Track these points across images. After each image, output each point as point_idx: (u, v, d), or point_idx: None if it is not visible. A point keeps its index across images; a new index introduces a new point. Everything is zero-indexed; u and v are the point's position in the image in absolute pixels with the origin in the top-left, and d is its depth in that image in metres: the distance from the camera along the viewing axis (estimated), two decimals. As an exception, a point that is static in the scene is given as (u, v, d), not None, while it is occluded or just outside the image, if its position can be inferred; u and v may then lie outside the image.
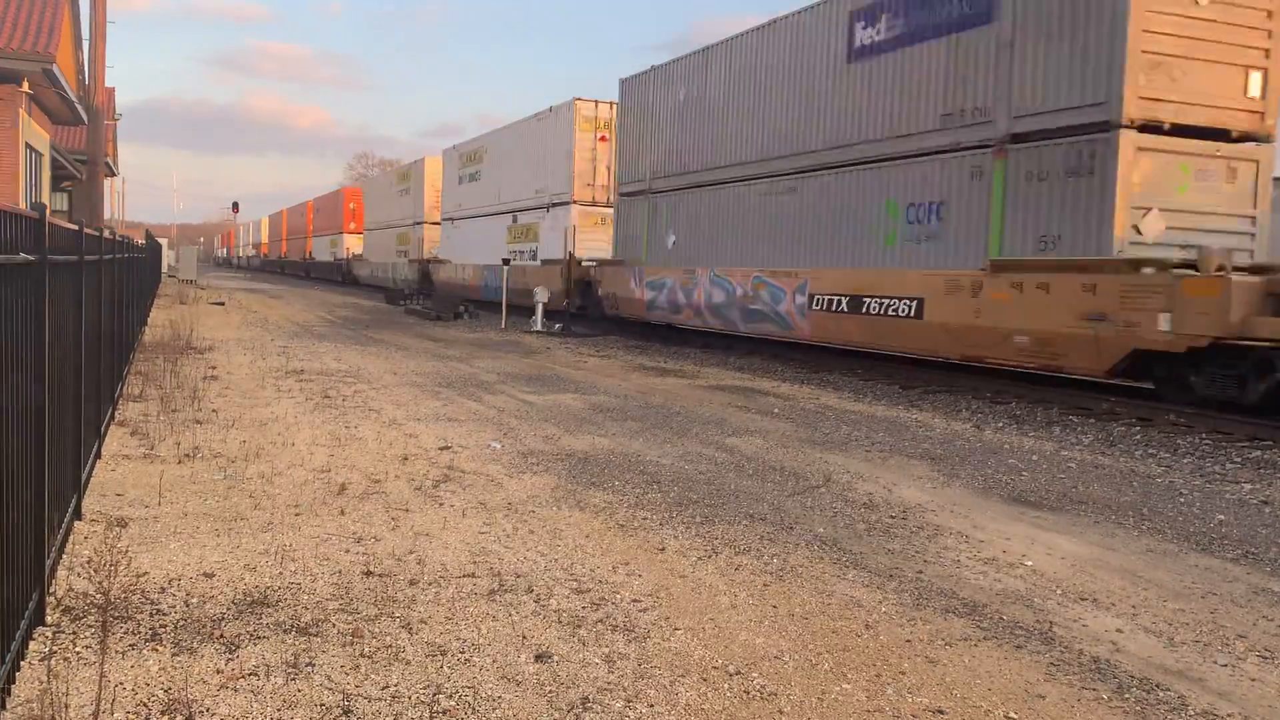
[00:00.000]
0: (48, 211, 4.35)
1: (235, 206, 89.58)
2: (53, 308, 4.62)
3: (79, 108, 25.63)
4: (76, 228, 5.78)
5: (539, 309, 24.93)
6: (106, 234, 8.77)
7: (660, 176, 22.06)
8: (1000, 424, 11.46)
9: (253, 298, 36.71)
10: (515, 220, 30.84)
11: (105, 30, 25.44)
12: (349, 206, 58.88)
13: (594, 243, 26.22)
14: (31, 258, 3.96)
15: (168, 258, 48.16)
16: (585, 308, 25.89)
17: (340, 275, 57.96)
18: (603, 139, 26.46)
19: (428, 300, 32.67)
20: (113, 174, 42.11)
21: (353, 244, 57.64)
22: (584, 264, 25.72)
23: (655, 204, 22.22)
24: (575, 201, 26.60)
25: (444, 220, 38.68)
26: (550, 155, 27.92)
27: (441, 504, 6.72)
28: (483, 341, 21.01)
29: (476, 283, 33.41)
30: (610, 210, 25.89)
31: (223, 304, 30.56)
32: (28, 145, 21.86)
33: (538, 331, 23.90)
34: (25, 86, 21.48)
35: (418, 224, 42.59)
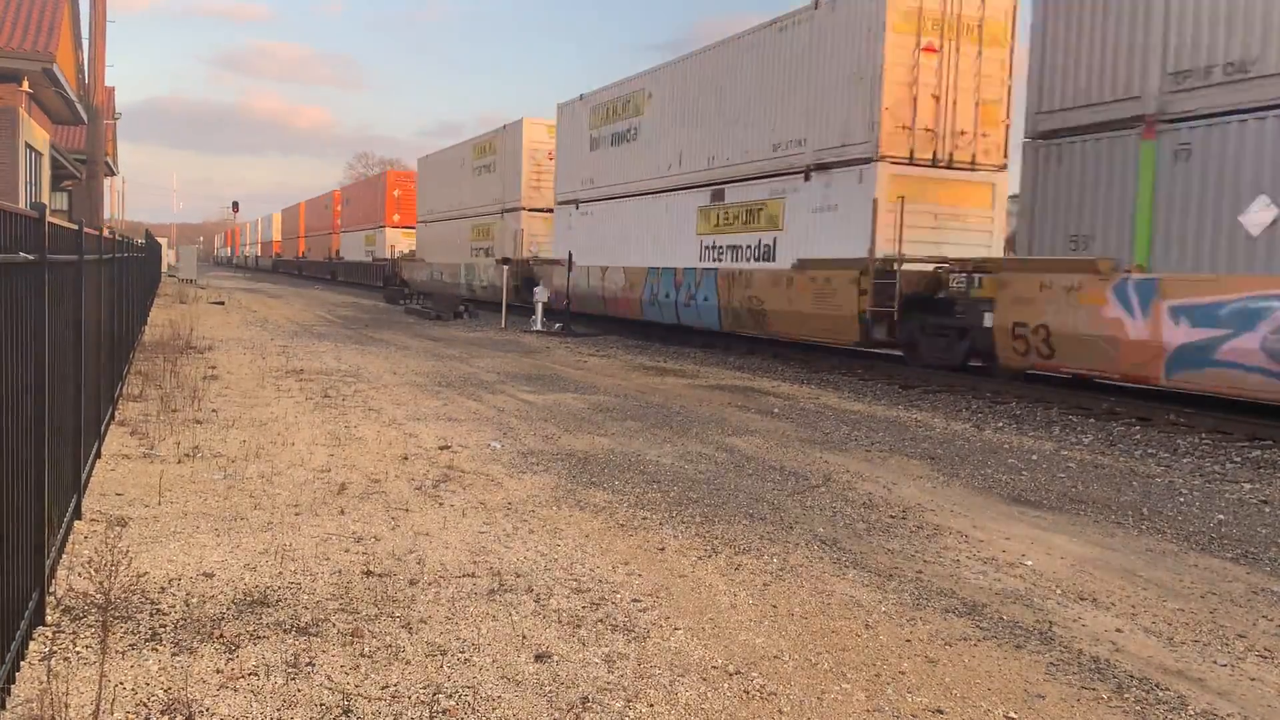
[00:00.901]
0: (48, 211, 4.35)
1: (235, 206, 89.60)
2: (52, 308, 4.62)
3: (79, 107, 25.65)
4: (76, 228, 5.78)
5: (538, 309, 24.91)
6: (106, 234, 8.78)
7: None
8: (1000, 424, 11.46)
9: (253, 298, 36.72)
10: (718, 199, 19.12)
11: (105, 30, 25.44)
12: (393, 194, 47.74)
13: (919, 231, 15.12)
14: (31, 257, 3.96)
15: (167, 257, 48.16)
16: (938, 354, 14.64)
17: (382, 279, 44.94)
18: (928, 49, 15.20)
19: (428, 300, 32.45)
20: (113, 174, 42.13)
21: (399, 240, 46.53)
22: (916, 269, 14.63)
23: None
24: (885, 158, 15.03)
25: (560, 205, 26.96)
26: (814, 83, 16.52)
27: (441, 504, 6.72)
28: (482, 341, 21.02)
29: (634, 294, 22.01)
30: (952, 174, 15.43)
31: (222, 304, 30.57)
32: (28, 145, 21.85)
33: (537, 331, 23.90)
34: (25, 86, 21.49)
35: (508, 211, 30.90)
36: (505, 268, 27.65)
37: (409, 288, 39.56)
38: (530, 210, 29.89)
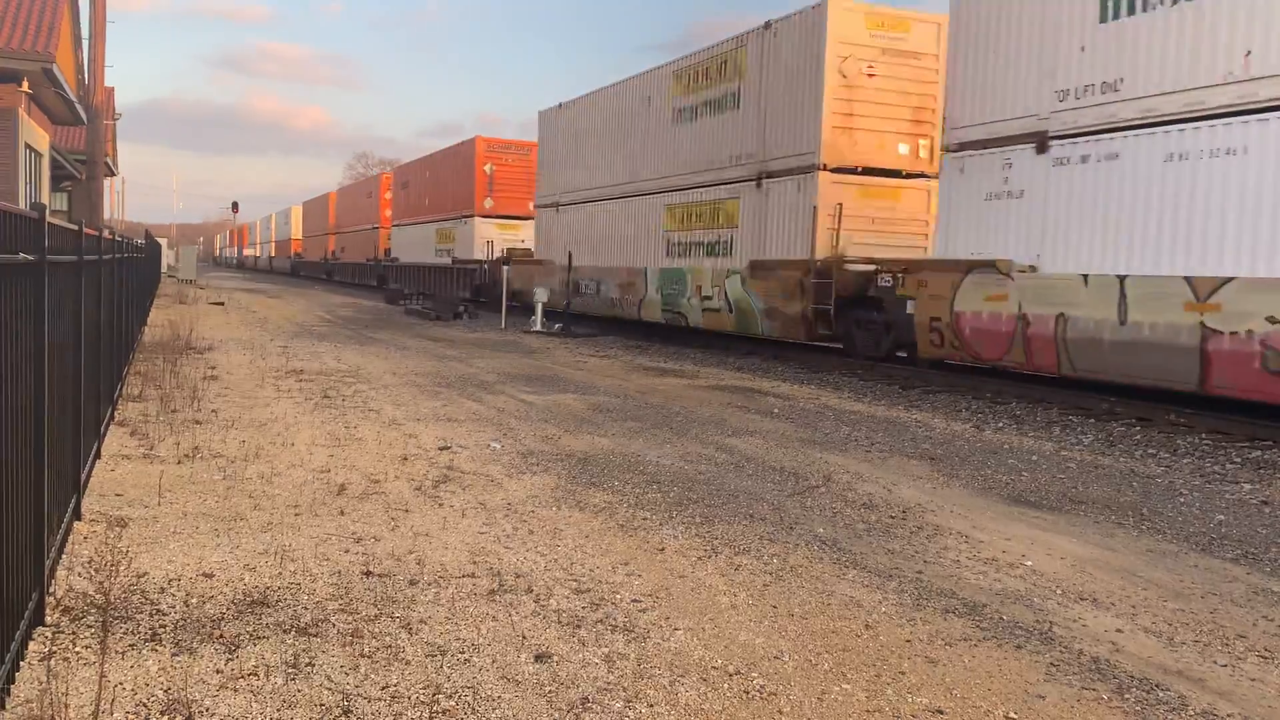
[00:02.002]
0: (47, 211, 4.35)
1: (235, 206, 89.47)
2: (52, 308, 4.62)
3: (79, 108, 25.64)
4: (76, 228, 5.78)
5: (538, 309, 24.86)
6: (106, 234, 8.77)
7: None
8: (1000, 424, 11.46)
9: (253, 298, 36.72)
10: None
11: (105, 30, 25.44)
12: (483, 169, 33.94)
13: None
14: (31, 258, 3.96)
15: (167, 257, 48.10)
16: None
17: (469, 288, 32.63)
18: None
19: (428, 300, 32.20)
20: (112, 174, 42.13)
21: (494, 234, 33.29)
22: None
23: None
24: None
25: (961, 154, 13.87)
26: None
27: (441, 504, 6.72)
28: (482, 342, 21.01)
29: None
30: None
31: (222, 304, 30.57)
32: (28, 145, 21.85)
33: (537, 331, 23.89)
34: (25, 86, 21.48)
35: (778, 177, 17.33)
36: (742, 276, 18.08)
37: (519, 300, 27.77)
38: (835, 171, 16.20)
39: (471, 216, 34.22)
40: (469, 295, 31.17)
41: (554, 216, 27.37)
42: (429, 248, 39.14)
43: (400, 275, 42.95)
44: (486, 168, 34.16)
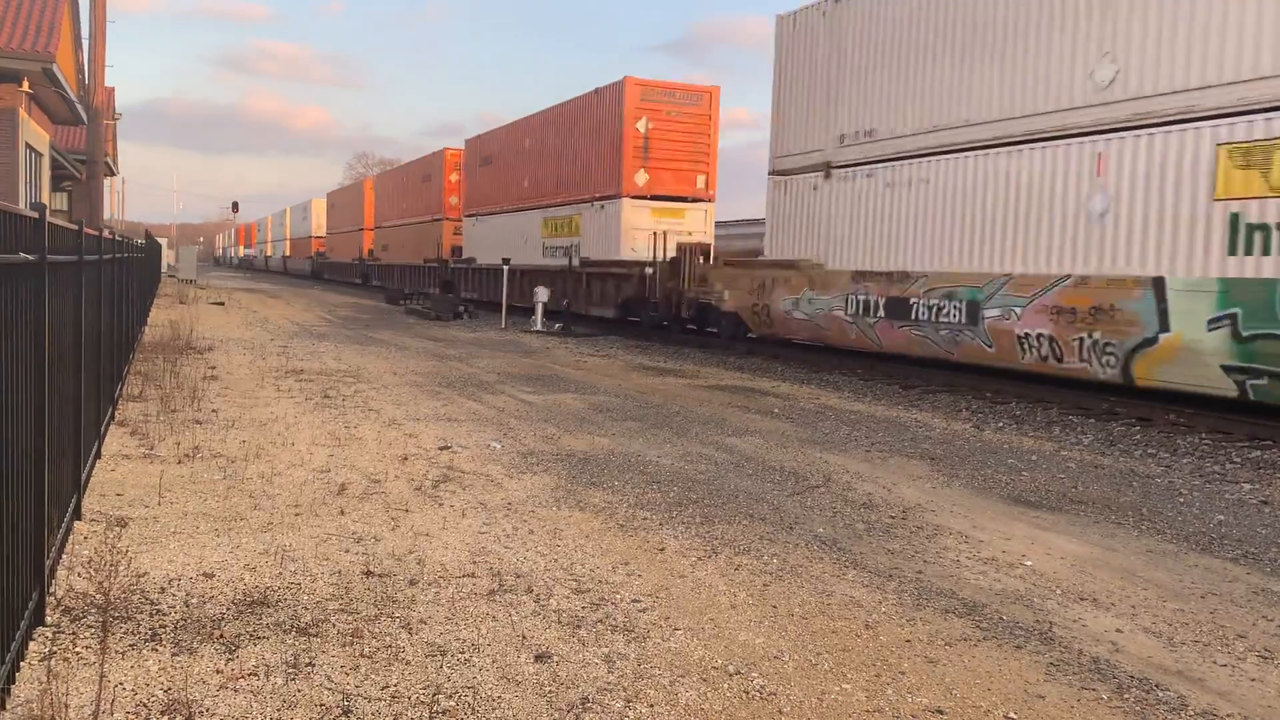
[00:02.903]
0: (48, 212, 4.35)
1: (235, 206, 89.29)
2: (53, 308, 4.62)
3: (79, 108, 25.64)
4: (76, 228, 5.78)
5: (539, 309, 24.84)
6: (106, 234, 8.77)
7: None
8: (1000, 424, 11.46)
9: (253, 298, 36.74)
10: None
11: (105, 30, 25.46)
12: (634, 128, 22.64)
13: None
14: (31, 257, 3.96)
15: (167, 257, 48.08)
16: None
17: (611, 304, 23.50)
18: None
19: (428, 300, 32.21)
20: (113, 174, 42.12)
21: (651, 224, 22.55)
22: None
23: None
24: None
25: None
26: None
27: (441, 504, 6.72)
28: (482, 341, 21.01)
29: None
30: None
31: (223, 304, 30.57)
32: (28, 145, 21.85)
33: (537, 331, 23.89)
34: (25, 86, 21.48)
35: None
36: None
37: (714, 320, 19.44)
38: None
39: (616, 198, 23.00)
40: (613, 314, 22.37)
41: (813, 189, 16.65)
42: (533, 245, 28.03)
43: (478, 282, 31.98)
44: (640, 124, 22.65)
